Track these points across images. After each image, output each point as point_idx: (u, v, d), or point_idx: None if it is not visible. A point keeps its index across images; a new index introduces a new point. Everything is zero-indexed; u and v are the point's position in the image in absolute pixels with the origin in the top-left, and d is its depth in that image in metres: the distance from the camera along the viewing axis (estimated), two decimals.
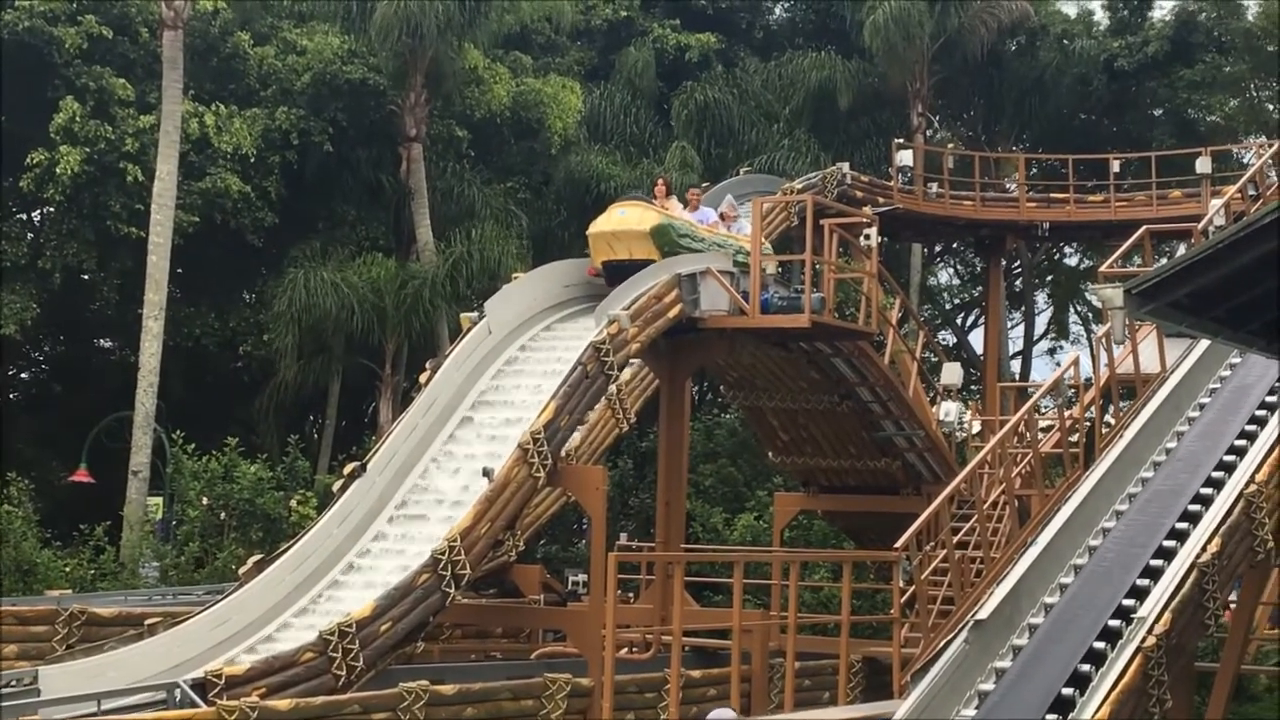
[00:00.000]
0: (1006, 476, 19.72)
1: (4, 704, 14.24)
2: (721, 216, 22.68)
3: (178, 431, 28.25)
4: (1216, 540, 16.57)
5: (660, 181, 22.60)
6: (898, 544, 17.67)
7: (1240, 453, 18.30)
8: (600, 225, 21.28)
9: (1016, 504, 19.67)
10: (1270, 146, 29.55)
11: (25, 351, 36.73)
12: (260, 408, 34.33)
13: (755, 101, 39.99)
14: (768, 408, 24.69)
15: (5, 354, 34.39)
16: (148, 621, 17.14)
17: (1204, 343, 19.70)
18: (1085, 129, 43.04)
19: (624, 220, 21.02)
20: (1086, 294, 46.44)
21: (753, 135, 38.84)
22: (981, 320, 42.58)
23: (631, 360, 20.60)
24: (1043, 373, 45.09)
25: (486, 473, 17.85)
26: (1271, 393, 19.30)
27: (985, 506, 19.31)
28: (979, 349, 42.48)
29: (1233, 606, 19.22)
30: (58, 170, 30.45)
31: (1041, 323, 49.18)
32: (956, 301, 50.18)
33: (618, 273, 20.49)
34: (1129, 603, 15.95)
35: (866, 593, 25.84)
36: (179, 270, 32.85)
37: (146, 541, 27.43)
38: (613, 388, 20.12)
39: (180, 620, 17.04)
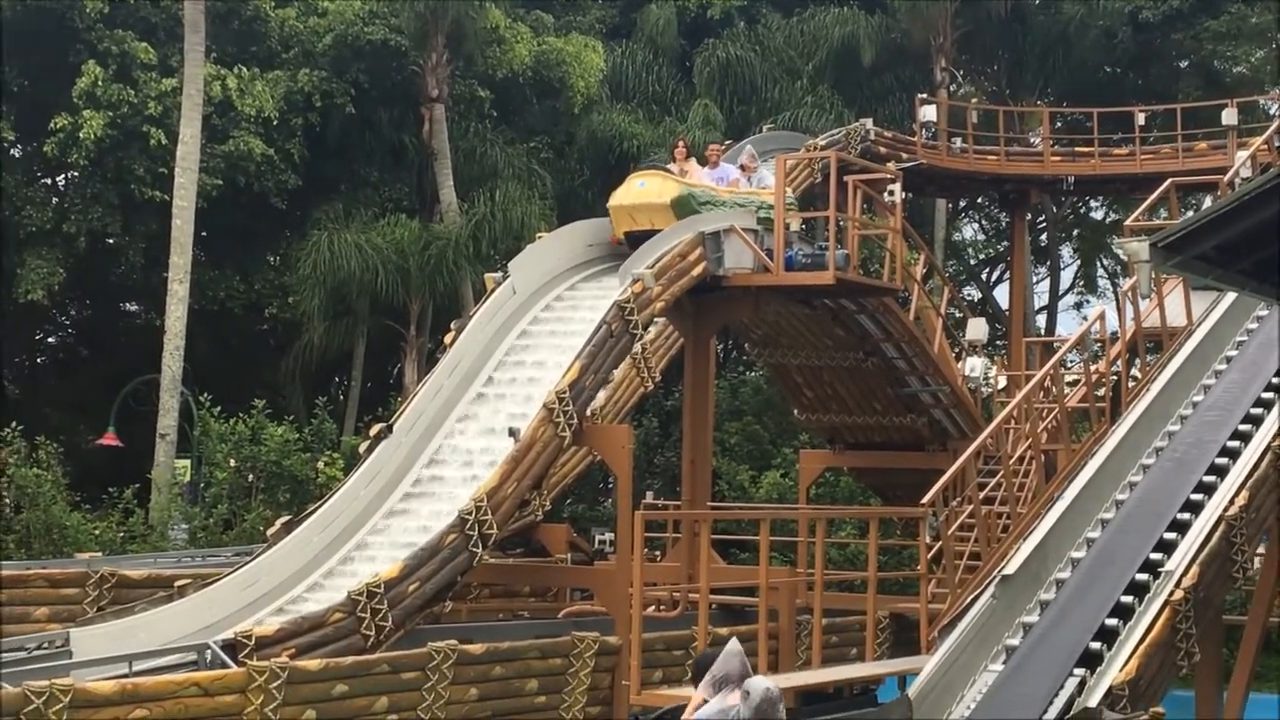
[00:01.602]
0: (1032, 432, 19.68)
1: (36, 665, 14.34)
2: (742, 168, 22.58)
3: (204, 394, 28.33)
4: (1244, 493, 16.52)
5: (679, 143, 22.48)
6: (924, 500, 17.65)
7: (1268, 405, 18.21)
8: (620, 198, 21.20)
9: (1043, 459, 19.64)
10: None
11: (52, 316, 36.90)
12: (286, 370, 34.44)
13: (778, 58, 39.77)
14: (792, 365, 24.62)
15: (33, 319, 34.54)
16: (177, 583, 17.19)
17: (1230, 295, 19.59)
18: (1110, 82, 42.70)
19: (644, 193, 20.92)
20: (1112, 247, 46.16)
21: (775, 92, 38.66)
22: (1006, 275, 42.41)
23: (656, 319, 20.58)
24: (1068, 327, 44.87)
25: (512, 432, 17.88)
26: None
27: (1011, 462, 19.26)
28: (1004, 304, 42.34)
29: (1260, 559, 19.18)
30: (81, 135, 30.50)
31: (1067, 277, 48.99)
32: (981, 257, 50.00)
33: (640, 242, 20.36)
34: (1156, 556, 15.93)
35: (893, 549, 25.85)
36: (203, 233, 32.91)
37: (175, 504, 27.55)
38: (637, 346, 20.09)
39: (210, 582, 17.11)
